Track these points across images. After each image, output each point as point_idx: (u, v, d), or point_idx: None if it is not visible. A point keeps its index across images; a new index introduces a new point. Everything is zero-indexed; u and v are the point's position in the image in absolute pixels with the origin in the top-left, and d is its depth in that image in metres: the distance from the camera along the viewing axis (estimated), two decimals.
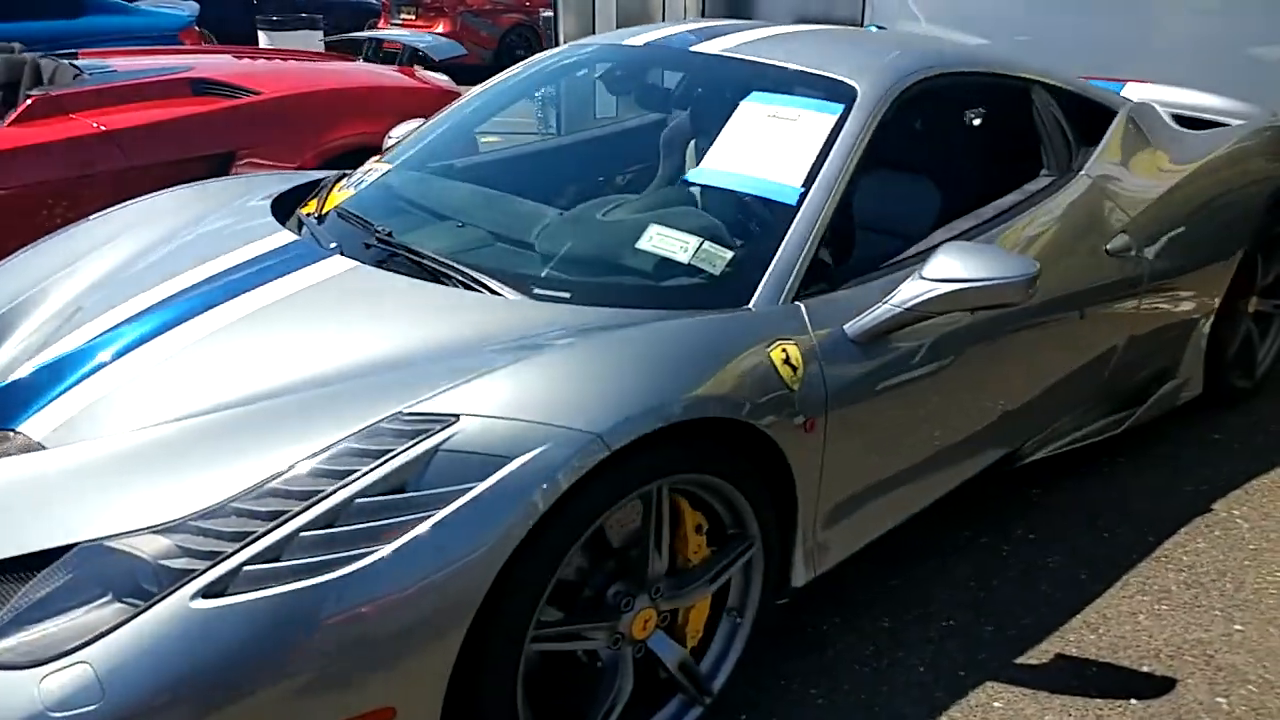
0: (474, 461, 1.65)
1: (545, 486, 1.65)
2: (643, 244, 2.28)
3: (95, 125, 3.84)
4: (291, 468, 1.64)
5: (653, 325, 2.00)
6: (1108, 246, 2.87)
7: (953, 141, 2.96)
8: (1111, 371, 3.04)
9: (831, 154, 2.37)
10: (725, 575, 2.06)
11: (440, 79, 4.97)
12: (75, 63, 4.32)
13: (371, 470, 1.63)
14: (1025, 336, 2.63)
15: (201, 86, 4.18)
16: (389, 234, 2.40)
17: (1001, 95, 2.91)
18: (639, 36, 3.08)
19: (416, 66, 5.22)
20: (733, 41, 2.84)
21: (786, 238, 2.24)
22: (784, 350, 2.05)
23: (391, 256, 2.34)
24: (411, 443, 1.66)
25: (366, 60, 5.26)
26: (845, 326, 2.18)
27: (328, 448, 1.67)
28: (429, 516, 1.60)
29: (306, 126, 4.19)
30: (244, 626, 1.51)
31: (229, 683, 1.50)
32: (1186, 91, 4.28)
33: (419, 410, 1.71)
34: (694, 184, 2.50)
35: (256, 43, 9.17)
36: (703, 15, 6.14)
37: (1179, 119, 3.63)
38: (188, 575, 1.53)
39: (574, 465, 1.67)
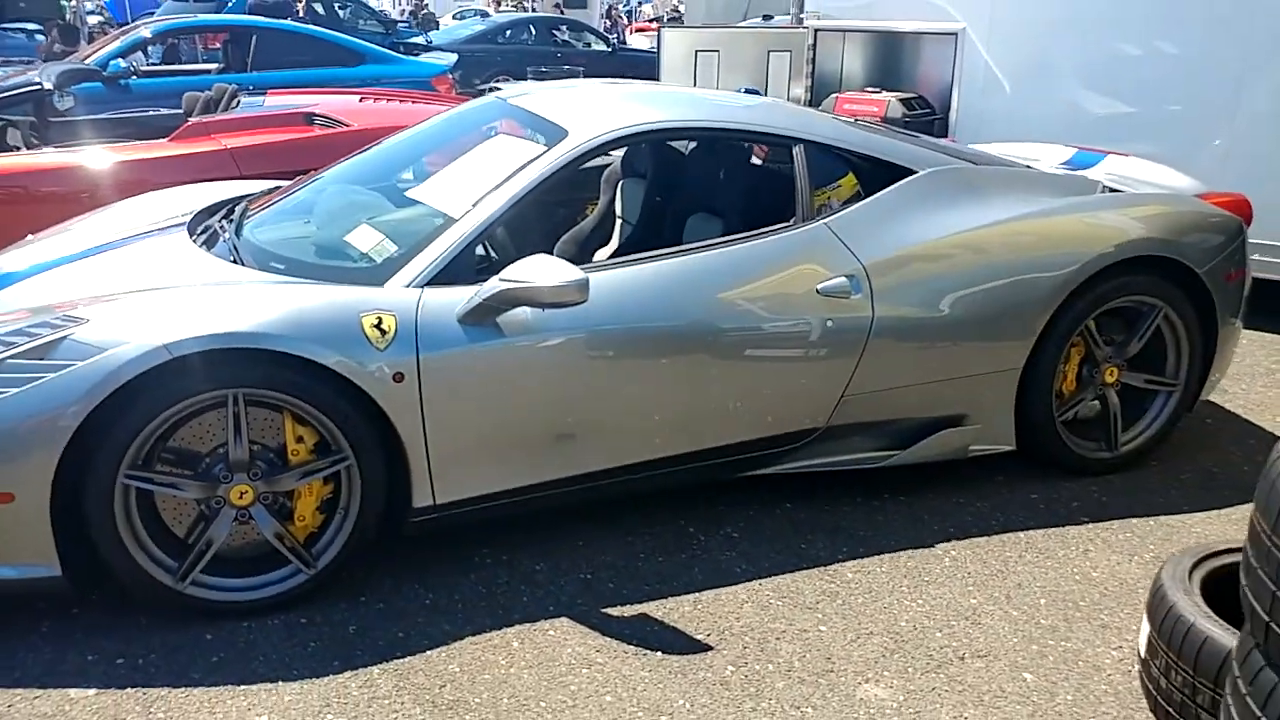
0: (83, 349, 2.57)
1: (116, 370, 2.52)
2: (348, 237, 3.10)
3: (222, 145, 5.22)
4: None
5: (276, 286, 2.82)
6: (819, 286, 3.23)
7: (699, 179, 3.44)
8: (846, 404, 3.34)
9: (509, 181, 3.04)
10: (313, 476, 2.79)
11: None
12: (243, 99, 5.77)
13: (26, 344, 2.60)
14: (688, 348, 3.09)
15: (313, 118, 5.46)
16: (237, 221, 3.40)
17: (748, 150, 3.36)
18: (511, 89, 3.87)
19: None
20: (538, 96, 3.56)
21: (435, 243, 2.95)
22: (378, 318, 2.77)
23: (218, 239, 3.33)
24: (54, 331, 2.61)
25: None
26: (455, 309, 2.85)
27: (11, 329, 2.67)
28: (43, 376, 2.54)
29: None
30: None
31: None
32: (1152, 166, 4.37)
33: (69, 312, 2.67)
34: (410, 198, 3.27)
35: None
36: (810, 98, 6.65)
37: None
38: None
39: (141, 361, 2.54)
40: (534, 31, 15.45)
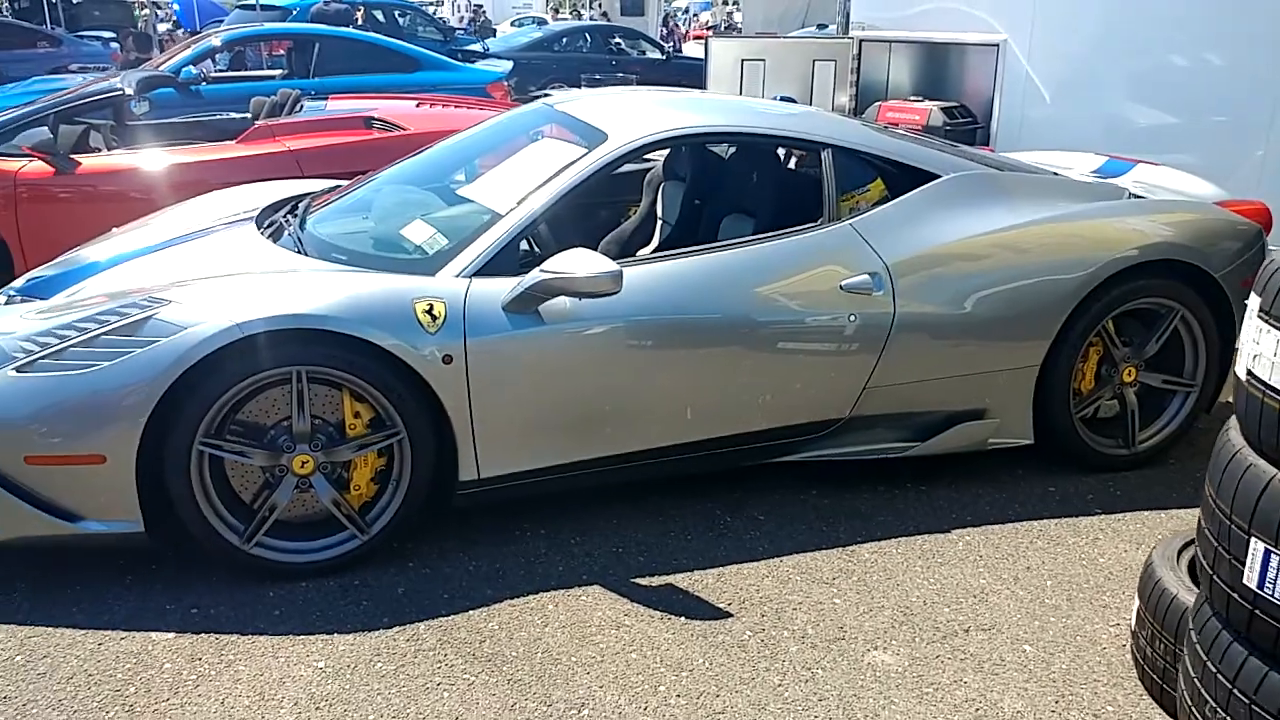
0: (166, 327, 2.85)
1: (195, 346, 2.80)
2: (404, 231, 3.36)
3: (286, 147, 5.54)
4: (86, 317, 2.95)
5: (337, 274, 3.08)
6: (843, 283, 3.42)
7: (733, 182, 3.65)
8: (868, 396, 3.53)
9: (551, 181, 3.28)
10: (368, 448, 3.05)
11: None
12: (306, 103, 6.09)
13: (117, 323, 2.89)
14: (719, 339, 3.30)
15: (371, 122, 5.76)
16: (300, 217, 3.68)
17: (780, 154, 3.57)
18: (558, 96, 4.12)
19: None
20: (581, 102, 3.80)
21: (482, 236, 3.20)
22: (429, 304, 3.02)
23: (284, 232, 3.62)
24: (140, 311, 2.90)
25: None
26: (500, 298, 3.10)
27: (108, 307, 2.96)
28: (132, 351, 2.82)
29: None
30: (32, 388, 2.83)
31: (19, 411, 2.81)
32: (1180, 174, 4.50)
33: (154, 295, 2.96)
34: (460, 196, 3.52)
35: None
36: (855, 107, 6.83)
37: None
38: (14, 360, 2.88)
39: (216, 338, 2.81)
40: (589, 39, 15.77)
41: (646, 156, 4.00)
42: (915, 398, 3.62)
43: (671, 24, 25.75)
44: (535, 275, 3.03)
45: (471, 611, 2.97)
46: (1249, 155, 5.51)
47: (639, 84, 11.89)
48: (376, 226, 3.62)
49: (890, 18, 6.80)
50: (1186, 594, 2.40)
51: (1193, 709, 1.89)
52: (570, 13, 31.68)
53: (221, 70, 11.23)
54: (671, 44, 20.27)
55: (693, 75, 15.09)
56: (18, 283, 3.69)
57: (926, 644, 2.86)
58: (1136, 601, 2.65)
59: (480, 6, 27.84)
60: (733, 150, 4.26)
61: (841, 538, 3.41)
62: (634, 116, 3.53)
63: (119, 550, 3.10)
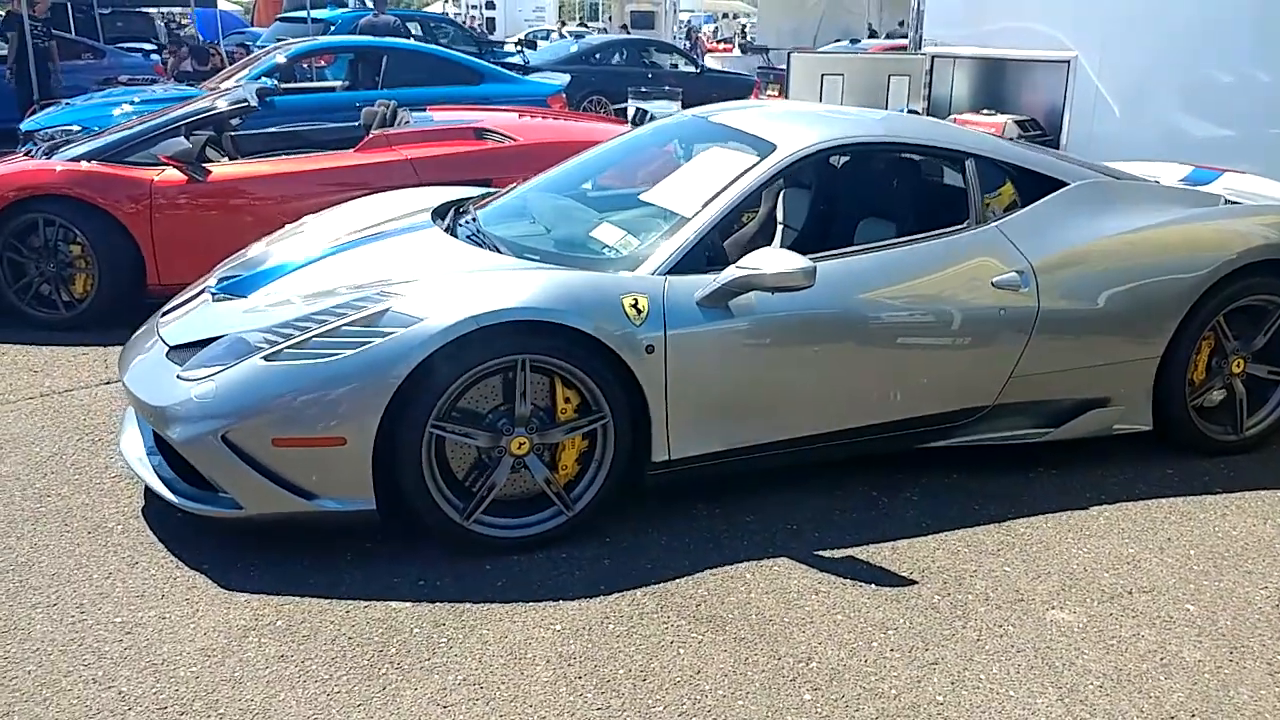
0: (405, 318, 3.12)
1: (434, 336, 3.07)
2: (593, 233, 3.65)
3: (403, 155, 5.81)
4: (323, 310, 3.22)
5: (549, 271, 3.36)
6: (994, 279, 3.72)
7: (868, 188, 3.95)
8: (1012, 385, 3.82)
9: (730, 187, 3.57)
10: (577, 431, 3.32)
11: None
12: (412, 114, 6.37)
13: (354, 315, 3.16)
14: (882, 332, 3.59)
15: (482, 133, 6.04)
16: (473, 219, 3.96)
17: (928, 163, 3.87)
18: (705, 109, 4.42)
19: None
20: (736, 114, 4.09)
21: (673, 237, 3.49)
22: (634, 299, 3.30)
23: (466, 233, 3.89)
24: (375, 305, 3.17)
25: (634, 124, 6.88)
26: (694, 293, 3.38)
27: (343, 301, 3.23)
28: (373, 340, 3.09)
29: (544, 165, 5.87)
30: (280, 376, 3.10)
31: (269, 397, 3.08)
32: (1265, 181, 4.81)
33: (388, 289, 3.23)
34: (642, 201, 3.81)
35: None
36: (926, 108, 7.14)
37: None
38: (260, 350, 3.15)
39: (454, 329, 3.08)
40: (624, 53, 16.15)
41: None
42: (1052, 386, 3.91)
43: (695, 37, 26.15)
44: (731, 272, 3.32)
45: (678, 579, 3.24)
46: None
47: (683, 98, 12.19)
48: (558, 227, 3.90)
49: (961, 35, 7.13)
50: None
51: None
52: (578, 24, 32.06)
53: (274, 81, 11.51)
54: (698, 56, 20.66)
55: (724, 88, 15.47)
56: (211, 281, 3.96)
57: (1098, 604, 3.14)
58: None
59: (490, 19, 28.19)
60: (849, 160, 4.56)
61: (994, 515, 3.69)
62: (797, 127, 3.82)
63: (334, 529, 3.33)
